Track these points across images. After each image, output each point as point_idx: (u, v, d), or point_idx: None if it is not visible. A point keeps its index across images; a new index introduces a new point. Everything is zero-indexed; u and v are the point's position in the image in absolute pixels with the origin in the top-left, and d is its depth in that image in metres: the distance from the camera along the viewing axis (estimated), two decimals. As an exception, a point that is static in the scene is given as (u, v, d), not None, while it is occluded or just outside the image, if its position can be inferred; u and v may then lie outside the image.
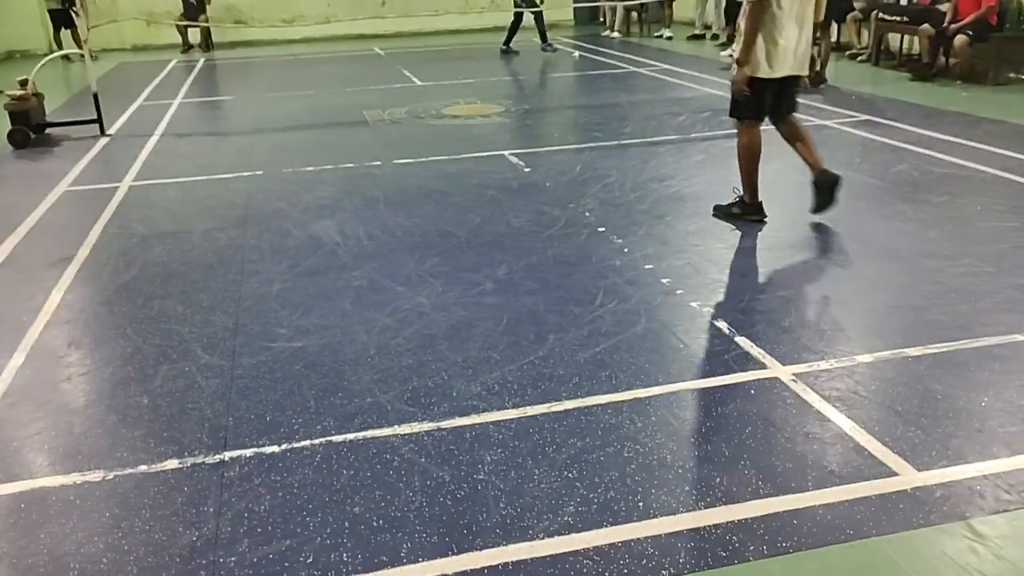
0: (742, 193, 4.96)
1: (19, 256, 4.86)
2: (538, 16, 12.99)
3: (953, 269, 4.12)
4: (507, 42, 13.08)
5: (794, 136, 4.92)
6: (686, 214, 5.15)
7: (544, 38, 13.19)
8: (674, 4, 14.91)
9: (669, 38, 14.05)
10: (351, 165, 6.61)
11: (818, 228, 4.81)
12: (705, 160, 6.38)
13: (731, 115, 4.92)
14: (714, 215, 5.04)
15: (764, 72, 4.60)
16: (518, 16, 12.95)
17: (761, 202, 4.93)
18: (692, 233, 4.82)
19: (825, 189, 4.77)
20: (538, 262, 4.44)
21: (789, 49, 4.57)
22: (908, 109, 7.81)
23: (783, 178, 5.91)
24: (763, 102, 4.72)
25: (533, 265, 4.40)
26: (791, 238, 4.68)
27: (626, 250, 4.55)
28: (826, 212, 4.83)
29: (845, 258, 4.32)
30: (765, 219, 4.91)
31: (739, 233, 4.77)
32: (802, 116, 7.58)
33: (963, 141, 6.49)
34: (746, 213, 4.94)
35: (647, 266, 4.31)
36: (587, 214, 5.20)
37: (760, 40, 4.53)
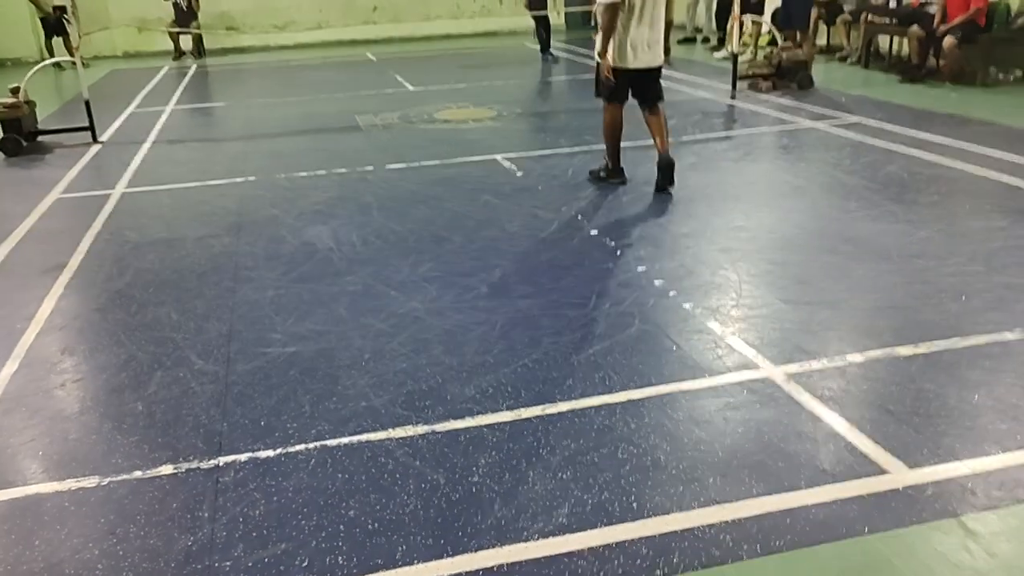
0: (608, 165, 5.93)
1: (12, 264, 4.86)
2: (544, 22, 12.75)
3: (943, 269, 4.14)
4: (544, 49, 12.80)
5: (650, 121, 5.73)
6: (678, 216, 5.17)
7: (545, 46, 12.91)
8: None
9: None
10: (344, 170, 6.63)
11: (807, 229, 4.84)
12: (697, 162, 6.40)
13: (596, 95, 5.84)
14: (588, 179, 5.98)
15: (622, 63, 5.47)
16: (539, 20, 12.67)
17: (622, 167, 5.90)
18: (684, 235, 4.84)
19: (664, 168, 5.61)
20: (532, 266, 4.45)
21: (640, 45, 5.44)
22: (898, 111, 7.85)
23: (776, 180, 5.94)
24: (624, 88, 5.60)
25: (527, 269, 4.41)
26: (781, 240, 4.71)
27: (619, 253, 4.57)
28: (667, 192, 5.58)
29: (835, 258, 4.35)
30: (625, 182, 5.86)
31: (731, 235, 4.79)
32: (792, 118, 7.67)
33: (952, 142, 6.53)
34: (610, 176, 5.91)
35: (640, 268, 4.33)
36: (580, 217, 5.22)
37: (617, 37, 5.41)
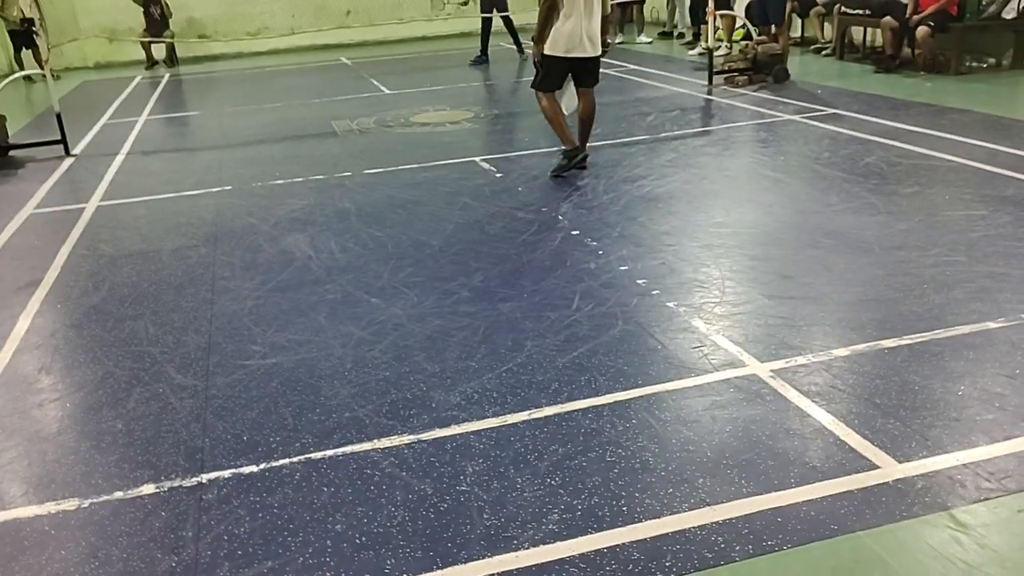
0: (564, 148, 6.11)
1: (-15, 282, 4.77)
2: (507, 21, 12.64)
3: (925, 260, 4.15)
4: (482, 51, 12.72)
5: (582, 104, 6.10)
6: (659, 214, 5.16)
7: (519, 46, 12.82)
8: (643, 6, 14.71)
9: (649, 42, 13.61)
10: (321, 177, 6.57)
11: (788, 224, 4.84)
12: (676, 159, 6.40)
13: (532, 87, 6.16)
14: (551, 175, 6.07)
15: (550, 50, 5.82)
16: (487, 22, 12.71)
17: (579, 145, 6.12)
18: (666, 233, 4.82)
19: (571, 158, 6.02)
20: (513, 268, 4.42)
21: (577, 36, 5.74)
22: (874, 101, 7.88)
23: (755, 175, 5.94)
24: (557, 76, 5.95)
25: (508, 272, 4.38)
26: (762, 235, 4.70)
27: (600, 252, 4.55)
28: (558, 177, 5.99)
29: (817, 252, 4.35)
30: (587, 155, 6.17)
31: (712, 232, 4.78)
32: (769, 112, 7.68)
33: (929, 131, 6.56)
34: (570, 158, 6.05)
35: (622, 268, 4.31)
36: (560, 218, 5.20)
37: (554, 28, 5.75)
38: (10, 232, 5.64)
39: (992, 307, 3.58)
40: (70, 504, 2.66)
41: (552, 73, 5.95)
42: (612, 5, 6.43)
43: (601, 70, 6.18)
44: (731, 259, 4.37)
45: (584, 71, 5.99)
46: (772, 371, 3.17)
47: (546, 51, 5.86)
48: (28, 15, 8.78)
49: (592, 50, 5.87)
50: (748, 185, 5.71)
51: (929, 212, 4.84)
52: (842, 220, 4.80)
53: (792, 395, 3.00)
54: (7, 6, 13.48)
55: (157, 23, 14.31)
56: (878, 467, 2.57)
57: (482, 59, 12.52)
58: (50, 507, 2.65)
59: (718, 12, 10.07)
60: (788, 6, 10.36)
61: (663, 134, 7.21)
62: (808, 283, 3.99)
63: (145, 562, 2.37)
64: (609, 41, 6.22)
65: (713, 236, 4.71)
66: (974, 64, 9.26)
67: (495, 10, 12.38)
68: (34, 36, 8.67)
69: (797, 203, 5.22)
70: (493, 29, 12.61)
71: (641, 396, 3.06)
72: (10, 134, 8.03)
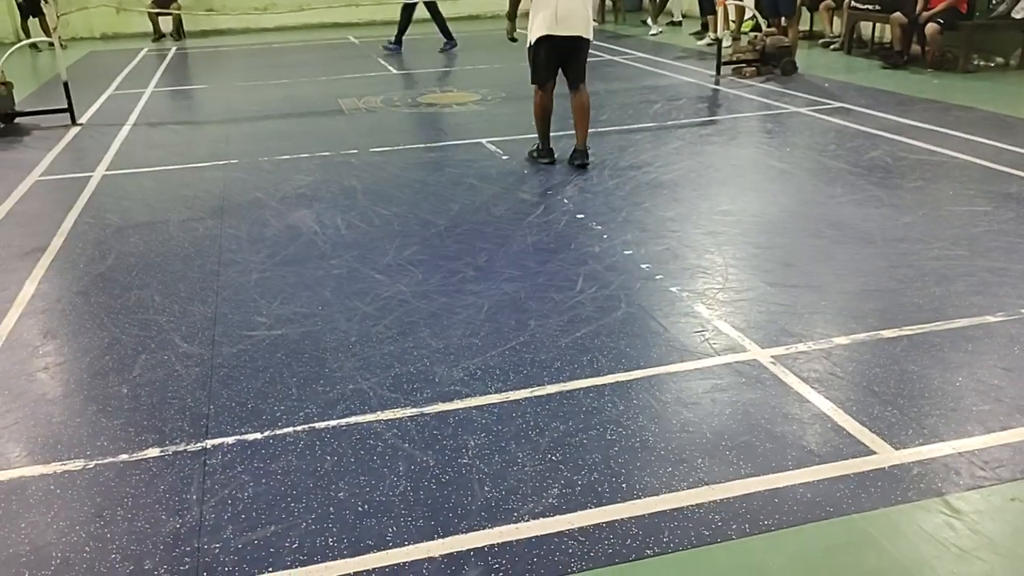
0: (538, 146, 6.12)
1: (-9, 247, 4.79)
2: (432, 8, 12.07)
3: (927, 252, 4.18)
4: (397, 39, 12.20)
5: (574, 106, 5.90)
6: (664, 200, 5.18)
7: (446, 34, 12.24)
8: None
9: (655, 34, 13.16)
10: (328, 154, 6.58)
11: (792, 213, 4.86)
12: (681, 147, 6.41)
13: (532, 81, 5.92)
14: (525, 158, 6.15)
15: (535, 34, 5.64)
16: (408, 9, 12.03)
17: (552, 148, 6.08)
18: (670, 219, 4.84)
19: (575, 157, 5.93)
20: (518, 250, 4.45)
21: (553, 15, 5.52)
22: (881, 96, 7.89)
23: (761, 165, 5.96)
24: (549, 68, 5.76)
25: (513, 252, 4.40)
26: (766, 224, 4.72)
27: (605, 236, 4.57)
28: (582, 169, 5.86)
29: (820, 242, 4.37)
30: (554, 162, 6.03)
31: (717, 219, 4.80)
32: (776, 103, 7.69)
33: (935, 128, 6.58)
34: (540, 156, 6.08)
35: (626, 252, 4.33)
36: (566, 201, 5.22)
37: (532, 10, 5.61)
38: (16, 198, 5.66)
39: (992, 301, 3.61)
40: (75, 465, 2.69)
41: (541, 62, 5.75)
42: None
43: (608, 56, 6.18)
44: (735, 246, 4.39)
45: (571, 57, 5.73)
46: (773, 357, 3.21)
47: (530, 40, 5.73)
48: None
49: (576, 29, 5.60)
50: (753, 175, 5.73)
51: (932, 206, 4.86)
52: (846, 211, 4.82)
53: (792, 381, 3.03)
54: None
55: (164, -5, 14.27)
56: (875, 453, 2.60)
57: (450, 44, 12.17)
58: (56, 467, 2.69)
59: (728, 2, 10.06)
60: (798, -1, 10.35)
61: (669, 122, 7.22)
62: (810, 272, 4.01)
63: (149, 523, 2.41)
64: (596, 19, 6.28)
65: (717, 223, 4.73)
66: (982, 63, 9.25)
67: None
68: (42, 4, 8.66)
69: (802, 193, 5.24)
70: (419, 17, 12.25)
71: (642, 377, 3.10)
72: (16, 102, 8.03)
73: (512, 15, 6.04)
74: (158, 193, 5.75)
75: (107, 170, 6.33)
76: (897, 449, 2.62)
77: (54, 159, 6.69)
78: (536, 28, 5.66)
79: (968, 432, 2.70)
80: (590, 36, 5.74)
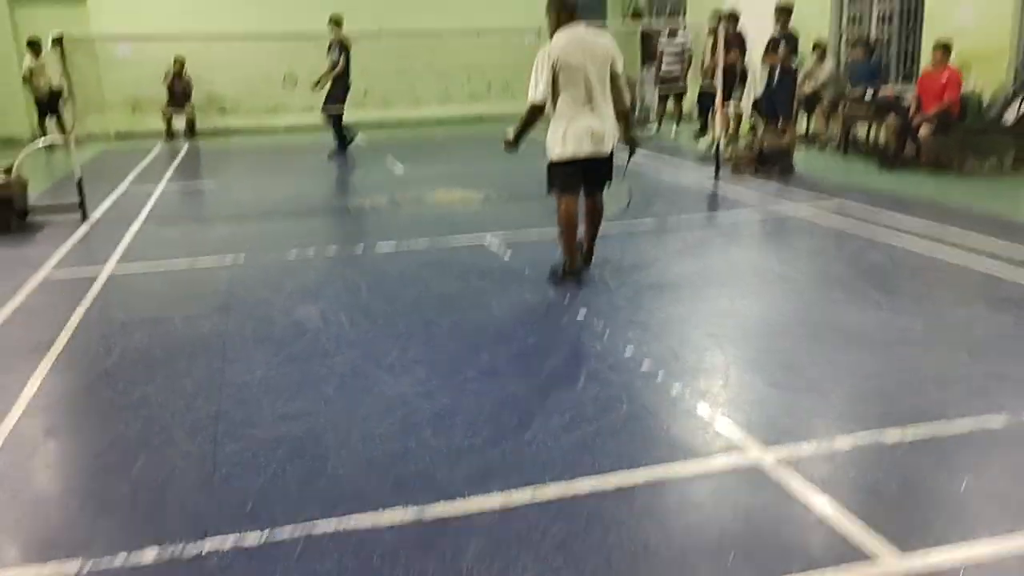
0: (563, 261, 5.63)
1: (-2, 342, 4.83)
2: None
3: (927, 356, 4.20)
4: (340, 142, 12.31)
5: (586, 209, 5.58)
6: (666, 301, 5.23)
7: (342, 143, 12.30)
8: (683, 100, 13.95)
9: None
10: (334, 252, 6.68)
11: (792, 315, 4.90)
12: (682, 247, 6.50)
13: (548, 192, 5.59)
14: (548, 278, 5.64)
15: (559, 155, 5.32)
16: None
17: (579, 266, 5.60)
18: (672, 319, 4.89)
19: (567, 273, 5.54)
20: (520, 349, 4.47)
21: (584, 134, 5.22)
22: (878, 198, 8.04)
23: (761, 267, 6.04)
24: (567, 179, 5.41)
25: (515, 352, 4.43)
26: (767, 325, 4.76)
27: (607, 336, 4.60)
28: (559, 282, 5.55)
29: (823, 345, 4.40)
30: (582, 280, 5.56)
31: (718, 320, 4.84)
32: (774, 204, 7.83)
33: (933, 230, 6.67)
34: (567, 275, 5.57)
35: (628, 351, 4.36)
36: (568, 300, 5.27)
37: (555, 128, 5.29)
38: (24, 294, 5.73)
39: (994, 405, 3.60)
40: (72, 566, 2.66)
41: (562, 177, 5.42)
42: (631, 97, 5.80)
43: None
44: (736, 347, 4.42)
45: (593, 174, 5.46)
46: (775, 459, 3.19)
47: (551, 158, 5.38)
48: (57, 85, 9.05)
49: (602, 147, 5.33)
50: (753, 275, 5.80)
51: (932, 310, 4.91)
52: (846, 314, 4.86)
53: (794, 483, 3.01)
54: (35, 76, 13.92)
55: (179, 96, 14.73)
56: (879, 558, 2.57)
57: (342, 149, 12.34)
58: (53, 568, 2.65)
59: (726, 103, 10.36)
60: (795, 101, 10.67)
61: (670, 220, 7.34)
62: (812, 374, 4.03)
63: (144, 629, 2.37)
64: (636, 136, 5.74)
65: (719, 324, 4.77)
66: (977, 164, 9.45)
67: (334, 103, 12.13)
68: (61, 105, 8.94)
69: (802, 296, 5.29)
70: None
71: (644, 479, 3.08)
72: (30, 198, 8.21)
73: (519, 139, 5.47)
74: (165, 289, 5.83)
75: (116, 266, 6.42)
76: (902, 554, 2.58)
77: (64, 255, 6.80)
78: (560, 146, 5.30)
79: (974, 537, 2.67)
80: (611, 150, 5.46)
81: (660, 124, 13.94)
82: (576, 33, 5.22)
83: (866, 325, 4.66)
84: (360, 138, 12.45)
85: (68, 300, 5.54)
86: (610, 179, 5.56)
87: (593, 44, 5.23)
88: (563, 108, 5.22)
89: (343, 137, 12.34)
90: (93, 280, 6.01)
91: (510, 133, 5.47)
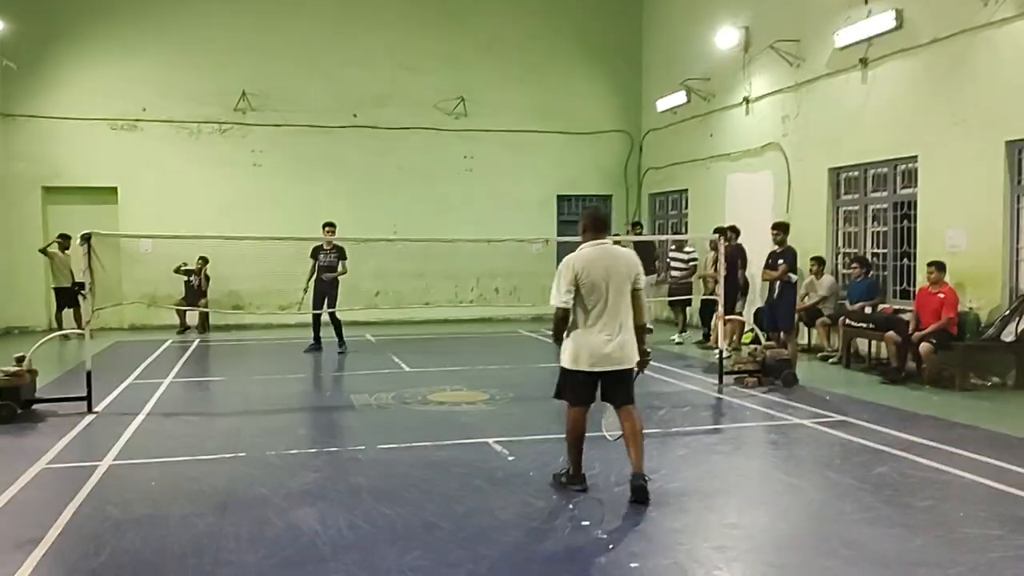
0: (566, 469, 5.53)
1: (-14, 536, 4.71)
2: (333, 317, 12.62)
3: (944, 578, 4.05)
4: (315, 340, 12.65)
5: (623, 426, 5.36)
6: (671, 510, 5.12)
7: (341, 342, 12.70)
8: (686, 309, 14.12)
9: (679, 343, 13.27)
10: (336, 449, 6.63)
11: (803, 530, 4.78)
12: (687, 455, 6.44)
13: (555, 397, 5.54)
14: (551, 483, 5.57)
15: (572, 365, 5.30)
16: (316, 317, 12.58)
17: (584, 474, 5.49)
18: (677, 530, 4.76)
19: (636, 489, 5.22)
20: (523, 558, 4.34)
21: (598, 348, 5.20)
22: (882, 411, 8.03)
23: (762, 478, 5.95)
24: (579, 390, 5.35)
25: (517, 561, 4.30)
26: (776, 540, 4.63)
27: (611, 547, 4.47)
28: (642, 503, 5.13)
29: (834, 563, 4.25)
30: (586, 489, 5.41)
31: (725, 533, 4.72)
32: (779, 414, 7.82)
33: (940, 445, 6.62)
34: (570, 483, 5.48)
35: (632, 564, 4.22)
36: (571, 507, 5.16)
37: (571, 339, 5.29)
38: (19, 487, 5.64)
39: (1018, 635, 3.44)
40: None
41: (574, 387, 5.37)
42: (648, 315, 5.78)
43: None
44: (744, 563, 4.27)
45: (612, 386, 5.35)
46: None
47: (565, 364, 5.35)
48: (80, 279, 9.35)
49: (620, 362, 5.25)
50: (761, 487, 5.71)
51: (945, 528, 4.78)
52: (857, 530, 4.74)
53: None
54: (60, 268, 14.38)
55: (195, 292, 15.15)
56: None
57: (316, 347, 12.65)
58: None
59: (726, 317, 10.58)
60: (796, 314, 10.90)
61: (674, 429, 7.30)
62: (825, 595, 3.87)
63: None
64: (649, 350, 5.57)
65: (726, 537, 4.64)
66: (979, 381, 9.50)
67: (325, 306, 12.49)
68: (80, 299, 9.19)
69: (811, 509, 5.18)
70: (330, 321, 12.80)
71: None
72: (38, 388, 8.26)
73: (560, 337, 5.39)
74: (163, 486, 5.73)
75: (115, 460, 6.36)
76: None
77: (64, 447, 6.75)
78: (574, 357, 5.27)
79: None
80: (634, 363, 5.34)
81: (683, 329, 13.96)
82: (602, 248, 5.34)
83: (879, 542, 4.53)
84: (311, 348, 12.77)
85: (63, 494, 5.44)
86: (630, 397, 5.38)
87: (616, 260, 5.31)
88: (581, 318, 5.25)
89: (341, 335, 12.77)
90: (91, 474, 5.93)
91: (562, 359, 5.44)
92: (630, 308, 5.32)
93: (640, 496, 5.17)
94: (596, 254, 5.32)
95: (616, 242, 5.77)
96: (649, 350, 5.57)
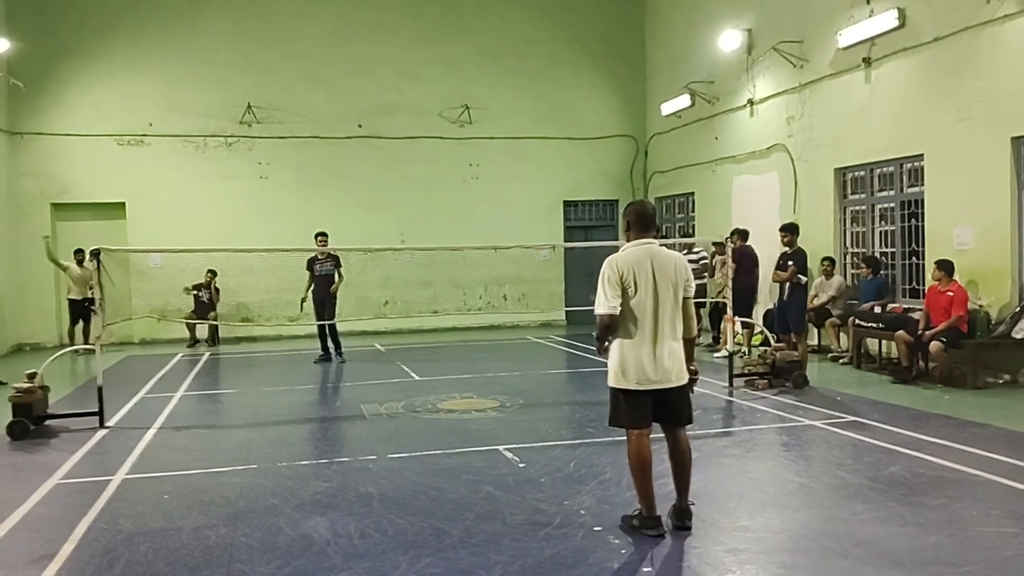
0: (638, 509, 4.82)
1: (0, 553, 4.73)
2: (331, 328, 12.79)
3: (958, 576, 4.03)
4: (323, 350, 12.82)
5: (671, 450, 4.85)
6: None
7: (339, 351, 12.85)
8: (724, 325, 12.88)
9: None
10: (347, 459, 6.64)
11: (815, 530, 4.76)
12: (699, 458, 6.37)
13: (609, 424, 4.95)
14: (621, 525, 4.86)
15: (619, 383, 4.72)
16: (321, 328, 12.74)
17: (659, 516, 4.74)
18: (690, 535, 4.74)
19: (677, 516, 4.80)
20: (534, 563, 4.33)
21: (644, 363, 4.64)
22: (893, 411, 8.00)
23: (773, 480, 5.93)
24: (634, 411, 4.72)
25: (529, 567, 4.29)
26: (789, 541, 4.62)
27: (623, 552, 4.47)
28: (684, 529, 4.76)
29: (847, 563, 4.24)
30: (664, 534, 4.67)
31: (737, 535, 4.70)
32: (790, 416, 7.79)
33: (951, 444, 6.59)
34: (643, 527, 4.73)
35: (645, 568, 4.21)
36: (583, 512, 5.16)
37: (616, 352, 4.72)
38: (33, 502, 5.67)
39: (1034, 632, 3.42)
40: None
41: (628, 408, 4.74)
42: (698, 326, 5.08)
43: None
44: (757, 565, 4.26)
45: (665, 406, 4.77)
46: None
47: (612, 383, 4.78)
48: (90, 295, 9.40)
49: (671, 379, 4.70)
50: (772, 488, 5.69)
51: (958, 527, 4.76)
52: (870, 530, 4.72)
53: None
54: (76, 283, 14.44)
55: (205, 306, 15.20)
56: None
57: (325, 357, 12.77)
58: None
59: (735, 319, 10.55)
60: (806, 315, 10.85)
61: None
62: (838, 596, 3.86)
63: None
64: (696, 367, 4.95)
65: (739, 540, 4.63)
66: (990, 379, 9.45)
67: (324, 317, 12.61)
68: (92, 314, 9.23)
69: (823, 510, 5.16)
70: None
71: None
72: (50, 403, 8.30)
73: (604, 345, 4.81)
74: (175, 498, 5.75)
75: (127, 474, 6.38)
76: None
77: (77, 462, 6.78)
78: (620, 373, 4.71)
79: None
80: (687, 379, 4.81)
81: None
82: (648, 249, 4.77)
83: (892, 541, 4.51)
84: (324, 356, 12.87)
85: (76, 509, 5.47)
86: (686, 418, 4.85)
87: (665, 262, 4.74)
88: (626, 328, 4.69)
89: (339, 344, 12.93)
90: (103, 488, 5.95)
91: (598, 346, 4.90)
92: (680, 317, 4.77)
93: (681, 521, 4.77)
94: (642, 255, 4.73)
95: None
96: (696, 367, 4.92)
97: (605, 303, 4.65)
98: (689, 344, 4.85)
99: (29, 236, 15.29)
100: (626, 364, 4.68)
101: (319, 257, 12.47)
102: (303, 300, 12.81)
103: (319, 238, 12.40)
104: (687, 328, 4.83)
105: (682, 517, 4.78)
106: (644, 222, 4.87)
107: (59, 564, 4.49)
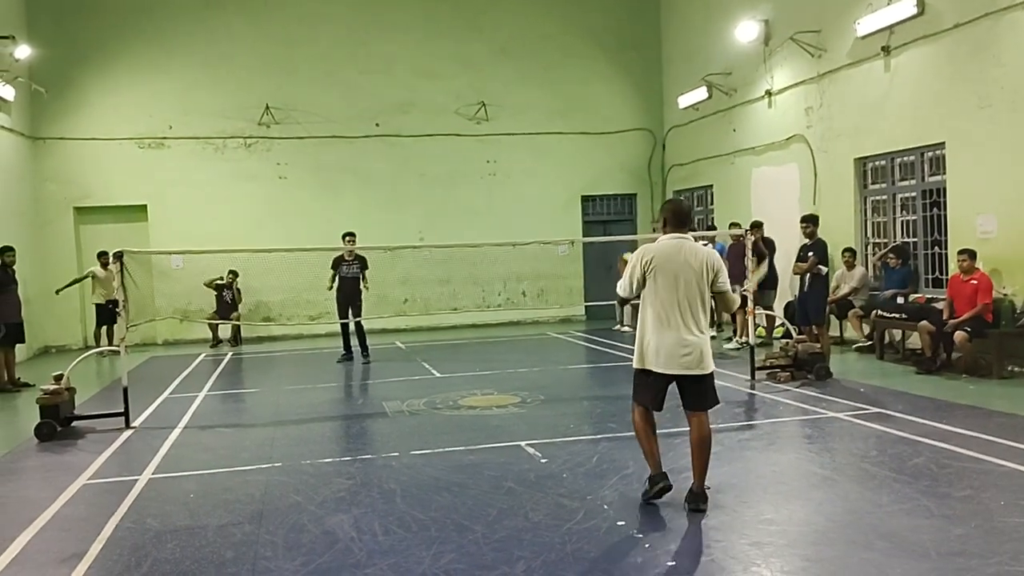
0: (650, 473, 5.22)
1: (30, 552, 4.80)
2: (358, 327, 12.69)
3: (986, 569, 3.99)
4: (346, 349, 12.69)
5: (691, 433, 5.10)
6: (707, 507, 5.08)
7: (365, 351, 12.69)
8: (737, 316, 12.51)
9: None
10: (369, 456, 6.67)
11: (839, 523, 4.73)
12: (721, 452, 6.38)
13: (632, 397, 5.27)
14: (641, 502, 5.19)
15: (636, 363, 5.13)
16: (344, 326, 12.64)
17: (664, 472, 5.14)
18: (714, 528, 4.74)
19: (692, 500, 5.02)
20: (557, 558, 4.34)
21: (661, 349, 4.94)
22: (918, 402, 7.93)
23: (797, 473, 5.90)
24: (641, 390, 5.13)
25: (552, 561, 4.30)
26: (813, 534, 4.59)
27: (647, 546, 4.46)
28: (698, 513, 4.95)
29: (872, 555, 4.21)
30: (669, 485, 5.10)
31: (762, 528, 4.69)
32: (813, 408, 7.74)
33: (977, 434, 6.53)
34: (649, 483, 5.18)
35: (669, 563, 4.21)
36: (605, 507, 5.16)
37: (638, 336, 5.14)
38: (61, 502, 5.74)
39: (1063, 623, 3.39)
40: None
41: (638, 385, 5.15)
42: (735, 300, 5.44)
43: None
44: (782, 559, 4.24)
45: (688, 389, 5.03)
46: None
47: (635, 364, 5.13)
48: (114, 297, 9.51)
49: (690, 367, 4.92)
50: (796, 481, 5.66)
51: (985, 517, 4.71)
52: (895, 522, 4.69)
53: None
54: (100, 286, 14.57)
55: (227, 306, 15.31)
56: None
57: (347, 356, 12.66)
58: None
59: (755, 311, 10.48)
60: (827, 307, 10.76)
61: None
62: (864, 588, 3.83)
63: None
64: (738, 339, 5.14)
65: (763, 533, 4.61)
66: (1016, 368, 9.35)
67: (350, 315, 12.50)
68: (117, 316, 9.33)
69: (847, 502, 5.13)
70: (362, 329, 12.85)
71: None
72: (76, 405, 8.40)
73: (624, 301, 5.26)
74: (200, 497, 5.81)
75: (153, 474, 6.45)
76: None
77: (104, 462, 6.86)
78: (642, 357, 5.04)
79: None
80: (709, 370, 5.00)
81: (719, 328, 13.72)
82: (679, 243, 5.05)
83: (918, 533, 4.47)
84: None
85: (104, 508, 5.53)
86: (714, 399, 5.10)
87: (691, 256, 5.00)
88: (650, 315, 4.98)
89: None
90: (130, 488, 6.02)
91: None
92: (705, 310, 5.00)
93: (696, 504, 4.97)
94: (672, 248, 5.02)
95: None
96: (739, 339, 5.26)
97: (625, 287, 5.17)
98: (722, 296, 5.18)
99: (54, 241, 15.47)
100: (645, 348, 5.04)
101: (346, 258, 12.32)
102: (329, 287, 12.52)
103: (347, 238, 12.18)
104: (727, 306, 5.35)
105: (696, 500, 5.01)
106: (679, 219, 5.21)
107: (88, 563, 4.55)
